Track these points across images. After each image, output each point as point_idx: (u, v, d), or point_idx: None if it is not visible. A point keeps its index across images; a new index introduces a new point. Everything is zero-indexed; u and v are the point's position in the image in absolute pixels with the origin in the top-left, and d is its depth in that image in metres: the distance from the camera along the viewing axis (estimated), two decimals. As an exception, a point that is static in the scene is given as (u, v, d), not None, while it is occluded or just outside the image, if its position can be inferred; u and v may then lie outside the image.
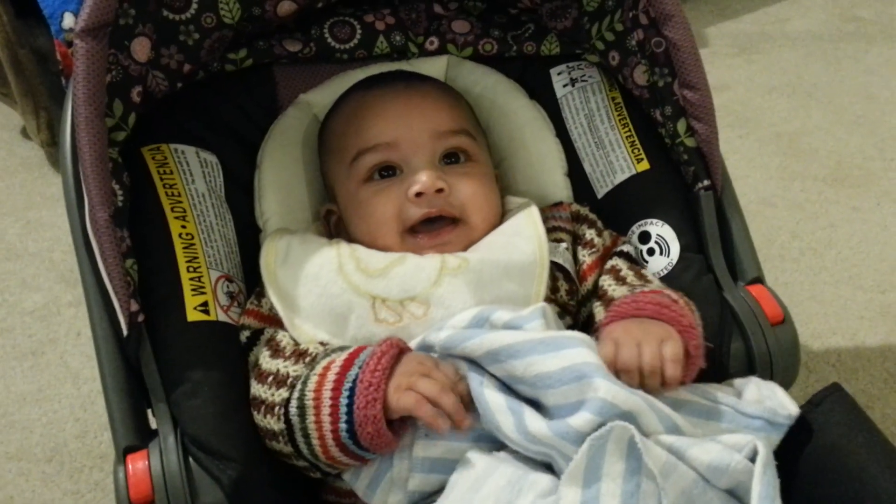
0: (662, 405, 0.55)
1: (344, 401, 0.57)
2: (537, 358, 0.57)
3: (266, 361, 0.64)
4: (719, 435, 0.55)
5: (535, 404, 0.58)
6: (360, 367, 0.58)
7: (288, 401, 0.59)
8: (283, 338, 0.66)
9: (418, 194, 0.69)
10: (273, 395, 0.61)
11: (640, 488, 0.51)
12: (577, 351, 0.57)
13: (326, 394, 0.58)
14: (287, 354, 0.64)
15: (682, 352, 0.59)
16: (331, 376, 0.59)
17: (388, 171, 0.71)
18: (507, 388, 0.59)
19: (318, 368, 0.60)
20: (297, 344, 0.65)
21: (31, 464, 1.02)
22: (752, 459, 0.52)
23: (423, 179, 0.69)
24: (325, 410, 0.58)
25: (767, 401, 0.60)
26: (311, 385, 0.59)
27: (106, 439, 1.04)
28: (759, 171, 1.52)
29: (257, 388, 0.63)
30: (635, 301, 0.64)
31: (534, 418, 0.56)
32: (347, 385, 0.57)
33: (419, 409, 0.56)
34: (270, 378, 0.62)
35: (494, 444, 0.59)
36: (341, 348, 0.62)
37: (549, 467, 0.56)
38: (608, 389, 0.54)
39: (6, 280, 1.34)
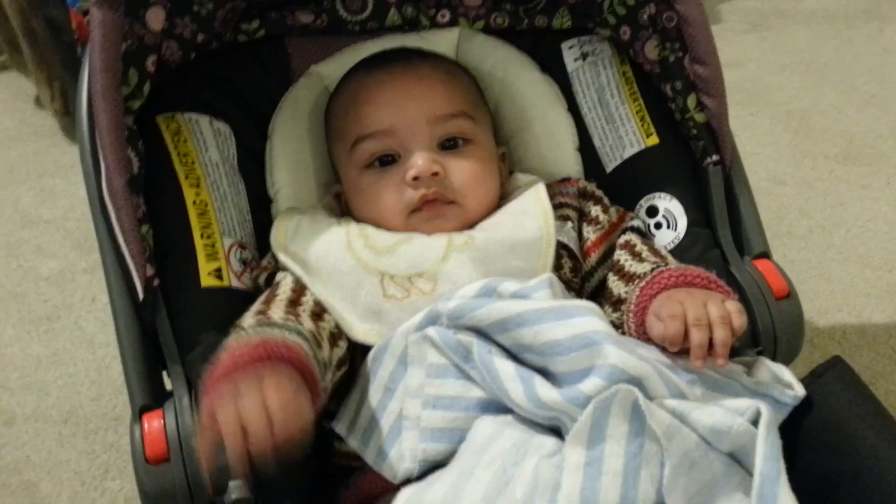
0: (670, 372, 0.56)
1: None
2: (546, 326, 0.58)
3: (254, 305, 0.65)
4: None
5: (543, 372, 0.59)
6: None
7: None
8: (284, 288, 0.67)
9: (415, 178, 0.70)
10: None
11: (643, 449, 0.52)
12: (586, 319, 0.58)
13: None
14: (261, 307, 0.64)
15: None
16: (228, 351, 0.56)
17: (387, 159, 0.72)
18: (514, 357, 0.61)
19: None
20: (290, 300, 0.65)
21: (47, 425, 1.05)
22: (755, 424, 0.53)
23: (418, 164, 0.70)
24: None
25: (775, 380, 0.61)
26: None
27: (120, 402, 1.07)
28: (769, 148, 1.52)
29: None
30: (683, 274, 0.64)
31: (544, 386, 0.57)
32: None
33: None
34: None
35: (502, 411, 0.60)
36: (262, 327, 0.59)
37: (555, 431, 0.58)
38: (618, 356, 0.55)
39: (21, 247, 1.36)
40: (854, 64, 1.80)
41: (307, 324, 0.63)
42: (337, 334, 0.66)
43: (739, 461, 0.54)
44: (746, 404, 0.54)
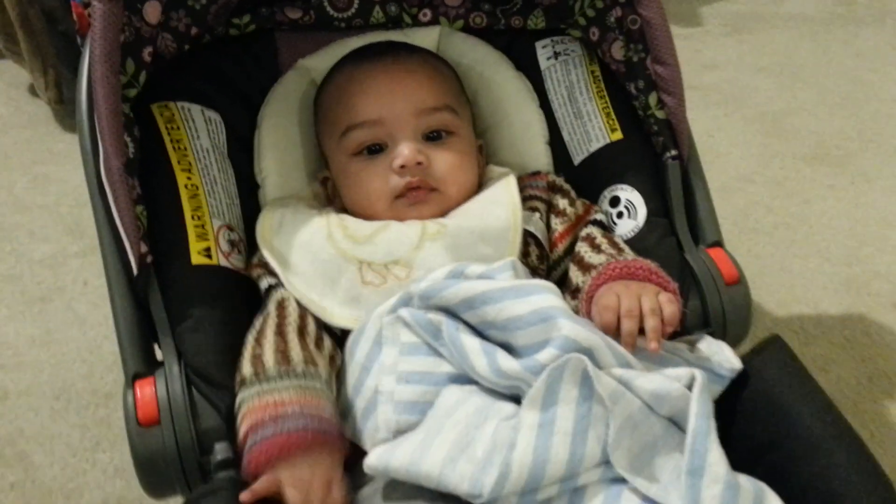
0: (618, 345, 0.62)
1: (248, 442, 0.61)
2: (508, 303, 0.63)
3: (270, 325, 0.68)
4: (666, 375, 0.62)
5: (505, 346, 0.64)
6: (256, 441, 0.61)
7: (243, 383, 0.65)
8: (291, 312, 0.70)
9: (402, 167, 0.75)
10: (245, 366, 0.65)
11: (591, 412, 0.57)
12: (543, 296, 0.63)
13: (244, 427, 0.62)
14: (279, 339, 0.67)
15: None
16: (248, 420, 0.62)
17: (375, 147, 0.77)
18: (479, 333, 0.66)
19: (254, 402, 0.63)
20: (299, 328, 0.69)
21: (40, 400, 1.09)
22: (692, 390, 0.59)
23: (404, 153, 0.75)
24: (241, 430, 0.63)
25: (715, 355, 0.67)
26: (244, 409, 0.63)
27: (111, 380, 1.11)
28: (741, 148, 1.57)
29: (250, 338, 0.68)
30: (626, 266, 0.70)
31: (505, 357, 0.62)
32: (249, 443, 0.61)
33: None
34: (255, 349, 0.66)
35: (468, 383, 0.65)
36: (289, 378, 0.64)
37: (515, 399, 0.63)
38: (571, 328, 0.60)
39: (15, 231, 1.40)
40: (828, 67, 1.86)
41: (321, 365, 0.66)
42: (334, 354, 0.70)
43: (678, 424, 0.59)
44: (684, 372, 0.60)
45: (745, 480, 0.55)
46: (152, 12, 0.74)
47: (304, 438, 0.61)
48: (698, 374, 0.59)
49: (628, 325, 0.62)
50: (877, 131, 1.60)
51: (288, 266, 0.72)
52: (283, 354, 0.66)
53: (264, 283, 0.73)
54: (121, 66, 0.70)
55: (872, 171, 1.48)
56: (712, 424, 0.56)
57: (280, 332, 0.68)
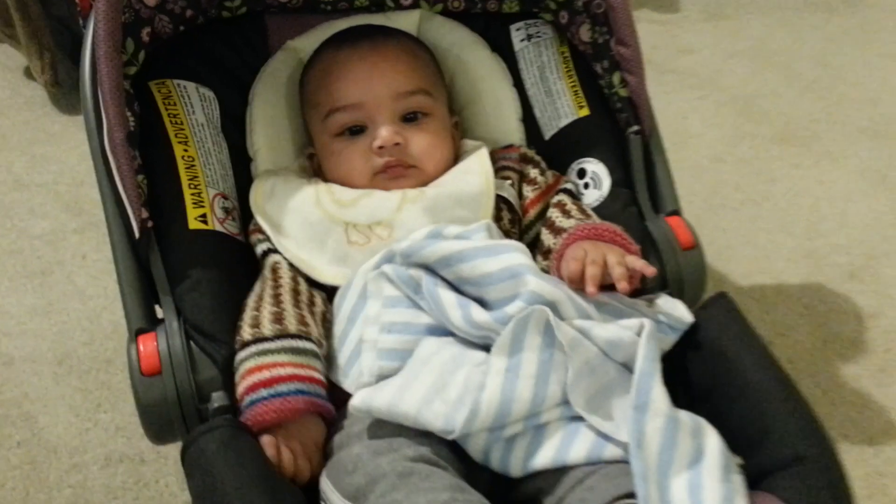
0: (580, 299, 0.68)
1: (245, 401, 0.68)
2: (480, 261, 0.70)
3: (267, 291, 0.75)
4: (622, 327, 0.69)
5: (478, 301, 0.71)
6: (253, 402, 0.68)
7: (243, 345, 0.71)
8: (284, 275, 0.77)
9: (381, 147, 0.81)
10: (244, 329, 0.72)
11: (552, 358, 0.64)
12: (512, 255, 0.70)
13: (242, 385, 0.69)
14: (275, 304, 0.74)
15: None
16: (246, 381, 0.69)
17: (356, 129, 0.83)
18: (455, 288, 0.72)
19: (251, 363, 0.69)
20: (293, 291, 0.75)
21: (43, 365, 1.15)
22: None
23: (383, 135, 0.81)
24: (239, 389, 0.69)
25: (669, 311, 0.73)
26: (242, 369, 0.70)
27: (111, 347, 1.17)
28: (714, 130, 1.64)
29: (250, 301, 0.74)
30: (594, 228, 0.77)
31: (478, 310, 0.69)
32: (246, 402, 0.68)
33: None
34: (253, 312, 0.73)
35: (444, 334, 0.72)
36: (283, 339, 0.71)
37: (486, 349, 0.69)
38: (537, 284, 0.67)
39: (15, 208, 1.45)
40: (799, 52, 1.92)
41: (312, 325, 0.73)
42: (325, 311, 0.76)
43: (630, 369, 0.66)
44: (637, 322, 0.67)
45: (684, 415, 0.62)
46: (150, -5, 0.79)
47: (297, 404, 0.68)
48: (647, 323, 0.65)
49: (592, 270, 0.68)
50: (843, 113, 1.67)
51: (280, 230, 0.79)
52: (278, 317, 0.72)
53: (259, 248, 0.80)
54: (122, 45, 0.76)
55: (837, 151, 1.55)
56: (657, 366, 0.63)
57: (276, 295, 0.75)
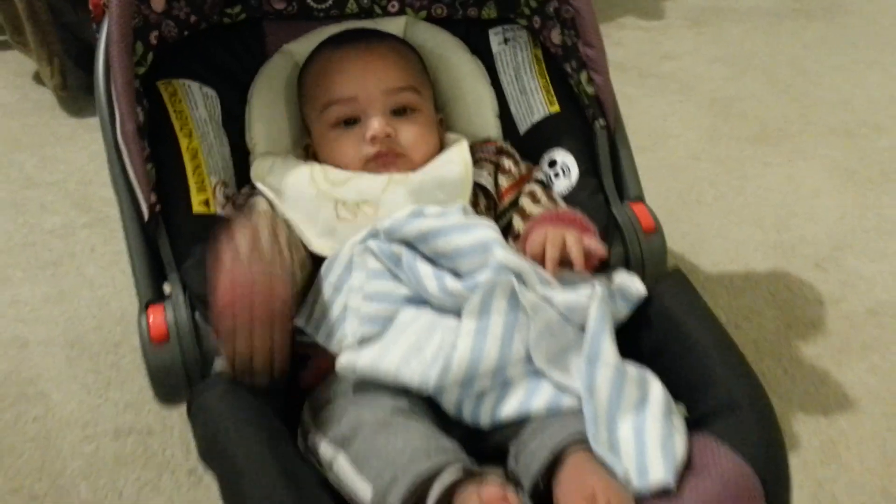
0: (542, 270, 0.76)
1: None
2: (455, 236, 0.78)
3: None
4: (581, 297, 0.76)
5: (452, 272, 0.79)
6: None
7: None
8: (260, 209, 0.85)
9: (372, 138, 0.89)
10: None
11: (517, 320, 0.72)
12: (483, 231, 0.78)
13: None
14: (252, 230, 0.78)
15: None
16: None
17: (350, 120, 0.91)
18: (432, 262, 0.80)
19: None
20: (270, 227, 0.81)
21: (56, 348, 1.23)
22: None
23: (375, 126, 0.89)
24: None
25: (626, 284, 0.81)
26: None
27: (119, 331, 1.25)
28: (692, 131, 1.72)
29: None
30: (557, 213, 0.85)
31: (451, 280, 0.77)
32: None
33: None
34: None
35: (421, 303, 0.80)
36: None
37: (459, 316, 0.77)
38: (504, 255, 0.75)
39: (27, 204, 1.53)
40: (777, 57, 2.01)
41: (286, 254, 0.78)
42: (304, 261, 0.83)
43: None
44: (591, 289, 0.74)
45: (631, 367, 0.69)
46: (157, 2, 0.88)
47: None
48: (598, 287, 0.73)
49: (552, 251, 0.76)
50: (816, 115, 1.75)
51: (281, 197, 0.87)
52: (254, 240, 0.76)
53: (240, 200, 0.88)
54: (132, 47, 0.84)
55: (808, 150, 1.64)
56: (606, 325, 0.71)
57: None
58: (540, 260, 0.77)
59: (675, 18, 2.21)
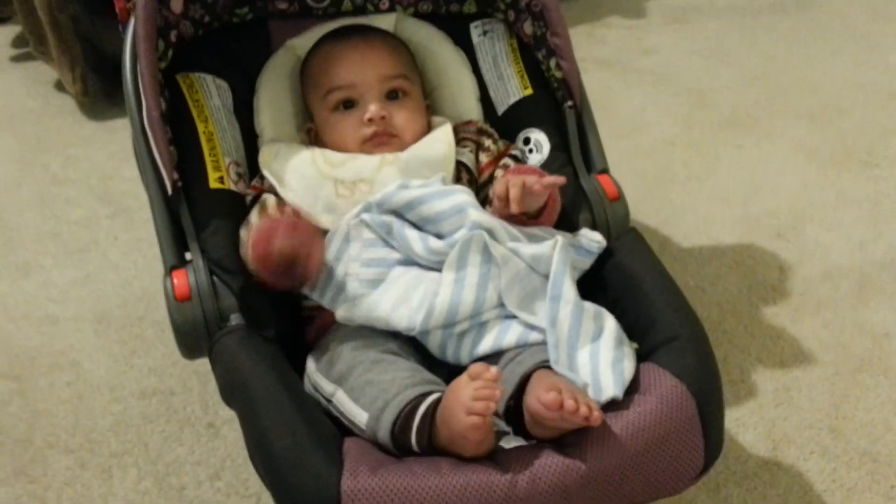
0: (512, 227, 0.88)
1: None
2: (435, 202, 0.90)
3: (252, 215, 0.97)
4: (548, 249, 0.88)
5: (436, 235, 0.91)
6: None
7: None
8: (269, 204, 0.98)
9: (369, 119, 1.01)
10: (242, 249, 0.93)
11: (490, 271, 0.84)
12: (459, 196, 0.90)
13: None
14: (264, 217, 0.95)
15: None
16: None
17: (349, 104, 1.03)
18: (418, 228, 0.92)
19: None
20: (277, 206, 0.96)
21: (85, 323, 1.35)
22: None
23: (371, 109, 1.01)
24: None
25: (588, 237, 0.93)
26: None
27: (142, 307, 1.37)
28: (668, 119, 1.84)
29: (242, 231, 0.95)
30: (518, 169, 0.98)
31: (434, 240, 0.89)
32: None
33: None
34: (244, 235, 0.94)
35: (412, 264, 0.91)
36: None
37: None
38: (477, 215, 0.87)
39: (54, 199, 1.66)
40: (751, 49, 2.12)
41: None
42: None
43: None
44: (553, 241, 0.86)
45: (588, 304, 0.81)
46: (176, 4, 1.00)
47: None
48: (560, 237, 0.85)
49: (514, 192, 0.88)
50: (785, 101, 1.87)
51: (283, 182, 0.99)
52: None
53: (249, 197, 1.00)
54: (156, 44, 0.97)
55: (776, 133, 1.75)
56: (567, 269, 0.83)
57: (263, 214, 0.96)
58: (504, 199, 0.89)
59: (656, 17, 2.32)
